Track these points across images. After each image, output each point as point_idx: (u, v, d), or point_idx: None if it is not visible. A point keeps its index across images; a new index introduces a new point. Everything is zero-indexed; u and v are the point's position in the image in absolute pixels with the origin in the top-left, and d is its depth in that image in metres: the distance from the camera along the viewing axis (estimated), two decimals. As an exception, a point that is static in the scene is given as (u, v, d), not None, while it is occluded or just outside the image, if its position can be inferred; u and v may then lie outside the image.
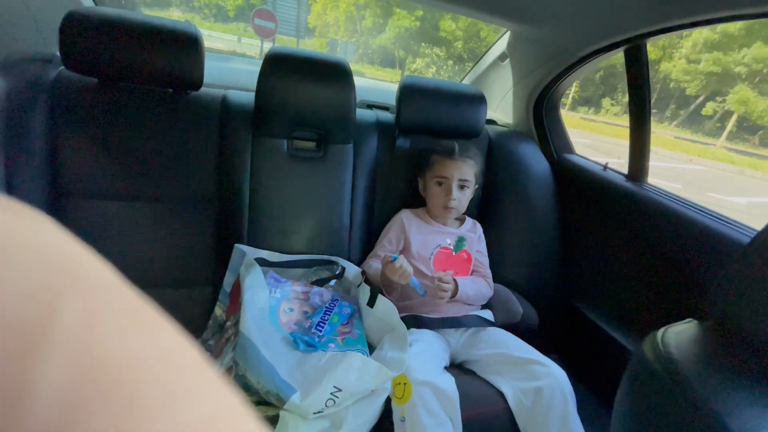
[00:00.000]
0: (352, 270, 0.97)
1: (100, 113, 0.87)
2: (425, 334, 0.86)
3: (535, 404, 0.73)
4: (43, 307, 0.08)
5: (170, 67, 0.85)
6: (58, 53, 0.82)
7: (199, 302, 0.93)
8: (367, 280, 0.93)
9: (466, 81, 1.55)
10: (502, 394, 0.77)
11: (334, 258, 1.01)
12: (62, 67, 0.86)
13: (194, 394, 0.09)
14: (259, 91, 0.93)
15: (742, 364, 0.33)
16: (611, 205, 1.05)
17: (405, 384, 0.70)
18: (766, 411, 0.29)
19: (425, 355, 0.79)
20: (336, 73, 0.95)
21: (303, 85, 0.93)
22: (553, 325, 1.09)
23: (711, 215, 0.85)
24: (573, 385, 0.75)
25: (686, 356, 0.33)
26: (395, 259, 0.84)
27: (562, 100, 1.33)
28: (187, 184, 0.93)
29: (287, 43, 12.83)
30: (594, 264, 1.10)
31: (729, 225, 0.81)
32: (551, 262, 0.97)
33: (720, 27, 11.55)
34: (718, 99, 14.26)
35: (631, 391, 0.35)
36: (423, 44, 17.61)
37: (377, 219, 1.08)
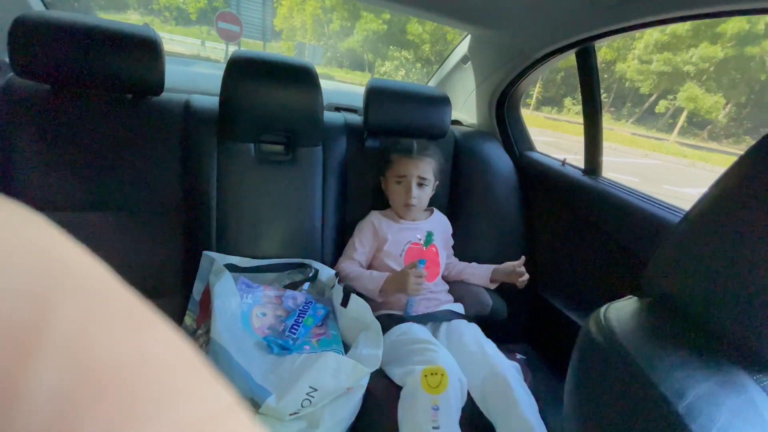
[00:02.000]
0: (325, 272, 0.98)
1: (53, 121, 0.83)
2: (418, 328, 0.88)
3: (489, 391, 0.76)
4: (37, 307, 0.07)
5: (128, 72, 0.83)
6: (7, 59, 0.79)
7: (168, 313, 0.90)
8: (340, 281, 0.94)
9: (432, 83, 1.59)
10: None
11: (306, 261, 1.01)
12: (12, 73, 0.82)
13: (191, 394, 0.09)
14: (224, 95, 0.92)
15: (674, 335, 0.37)
16: (570, 198, 1.11)
17: (442, 375, 0.72)
18: (693, 374, 0.33)
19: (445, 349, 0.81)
20: (301, 76, 0.95)
21: (268, 88, 0.93)
22: (521, 315, 1.14)
23: (655, 203, 0.92)
24: (542, 371, 0.79)
25: (625, 329, 0.36)
26: (423, 264, 0.87)
27: (527, 100, 1.39)
28: (150, 191, 0.90)
29: (253, 46, 12.61)
30: (556, 254, 1.16)
31: (668, 210, 0.88)
32: (517, 254, 1.01)
33: (669, 29, 12.32)
34: (670, 97, 15.22)
35: (577, 362, 0.39)
36: (391, 47, 17.77)
37: (349, 220, 1.10)
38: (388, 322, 0.88)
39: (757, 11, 0.67)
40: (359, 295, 0.89)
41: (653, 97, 15.64)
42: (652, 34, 13.73)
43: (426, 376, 0.72)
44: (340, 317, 0.88)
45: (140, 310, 0.09)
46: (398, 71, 17.45)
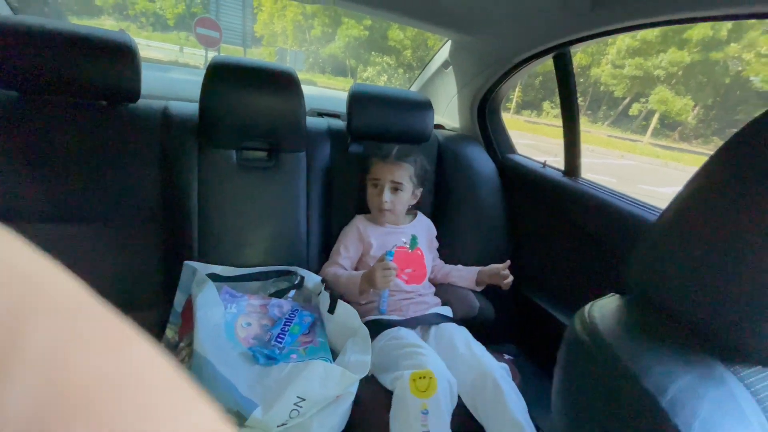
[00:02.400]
0: (311, 279, 0.97)
1: (23, 129, 0.80)
2: (406, 332, 0.87)
3: (479, 393, 0.76)
4: (8, 328, 0.07)
5: (101, 79, 0.80)
6: None
7: (148, 326, 0.88)
8: (326, 287, 0.93)
9: (414, 88, 1.60)
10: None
11: (292, 268, 1.00)
12: None
13: (170, 412, 0.08)
14: (204, 101, 0.90)
15: (655, 330, 0.38)
16: (551, 199, 1.14)
17: (430, 378, 0.71)
18: (674, 369, 0.34)
19: (434, 352, 0.81)
20: (283, 82, 0.95)
21: (249, 94, 0.92)
22: (507, 316, 1.15)
23: (633, 202, 0.95)
24: (530, 371, 0.79)
25: (608, 326, 0.37)
26: (391, 256, 0.87)
27: (507, 104, 1.42)
28: (128, 200, 0.88)
29: (234, 52, 12.46)
30: (539, 254, 1.18)
31: (645, 209, 0.91)
32: (501, 256, 1.02)
33: (639, 35, 12.83)
34: (642, 100, 15.81)
35: (564, 361, 0.39)
36: (373, 53, 17.88)
37: (334, 225, 1.09)
38: (376, 328, 0.88)
39: (720, 18, 0.71)
40: (346, 300, 0.88)
41: (627, 100, 16.21)
42: (624, 40, 14.27)
43: (414, 380, 0.71)
44: (328, 324, 0.87)
45: (117, 327, 0.09)
46: (380, 76, 17.55)
